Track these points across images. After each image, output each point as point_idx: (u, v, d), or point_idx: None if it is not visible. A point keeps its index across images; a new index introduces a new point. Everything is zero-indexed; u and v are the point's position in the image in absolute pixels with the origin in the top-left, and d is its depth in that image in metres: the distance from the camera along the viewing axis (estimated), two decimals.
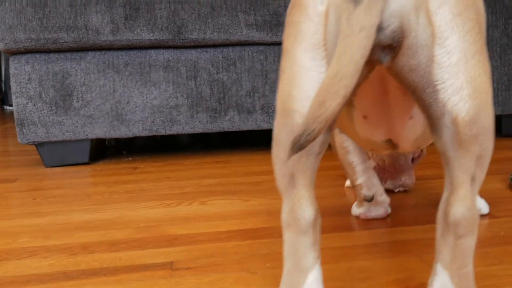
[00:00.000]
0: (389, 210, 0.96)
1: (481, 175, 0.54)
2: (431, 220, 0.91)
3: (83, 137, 1.56)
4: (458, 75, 0.51)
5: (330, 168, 1.41)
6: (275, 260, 0.75)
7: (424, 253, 0.75)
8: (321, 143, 0.55)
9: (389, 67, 0.54)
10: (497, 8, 1.65)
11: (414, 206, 1.00)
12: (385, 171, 0.96)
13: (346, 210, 0.99)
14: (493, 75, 1.67)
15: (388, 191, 1.09)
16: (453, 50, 0.51)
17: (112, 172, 1.48)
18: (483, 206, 0.92)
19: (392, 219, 0.93)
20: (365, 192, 0.92)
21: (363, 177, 0.92)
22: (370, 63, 0.53)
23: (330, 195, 1.10)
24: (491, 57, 1.66)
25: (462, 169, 0.53)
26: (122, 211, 1.04)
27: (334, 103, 0.46)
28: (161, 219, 0.97)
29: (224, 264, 0.74)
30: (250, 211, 1.00)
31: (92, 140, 1.60)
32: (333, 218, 0.94)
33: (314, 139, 0.47)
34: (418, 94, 0.53)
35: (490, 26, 1.65)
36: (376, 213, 0.94)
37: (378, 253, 0.76)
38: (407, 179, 1.00)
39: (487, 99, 0.52)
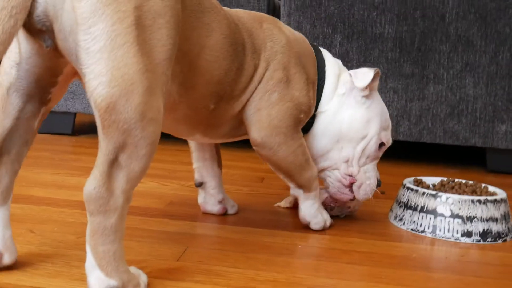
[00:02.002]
0: (232, 211, 0.98)
1: (131, 163, 0.57)
2: (254, 224, 0.93)
3: (65, 110, 1.72)
4: (100, 62, 0.54)
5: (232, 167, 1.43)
6: None
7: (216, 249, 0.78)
8: None
9: (55, 50, 0.59)
10: (487, 32, 1.54)
11: (258, 211, 1.02)
12: (336, 200, 0.96)
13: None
14: (476, 104, 1.56)
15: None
16: (99, 37, 0.54)
17: (88, 145, 1.62)
18: (326, 218, 0.91)
19: (233, 218, 0.96)
20: (195, 176, 0.97)
21: (197, 164, 0.96)
22: (40, 47, 0.59)
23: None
24: (476, 85, 1.56)
25: (101, 152, 0.57)
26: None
27: None
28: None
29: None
30: None
31: (75, 114, 1.76)
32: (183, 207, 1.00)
33: None
34: (82, 79, 0.57)
35: (478, 52, 1.55)
36: (211, 208, 0.97)
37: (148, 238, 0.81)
38: (356, 205, 0.99)
39: (131, 89, 0.55)
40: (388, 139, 0.93)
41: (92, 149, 1.55)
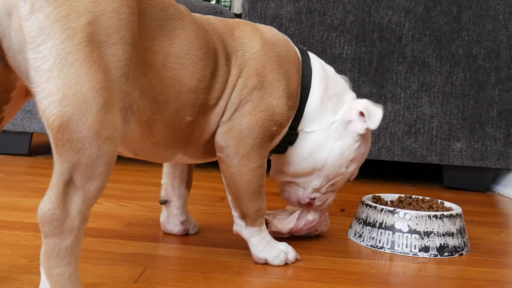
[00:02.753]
0: (193, 231, 0.97)
1: (87, 184, 0.55)
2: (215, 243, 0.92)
3: (22, 130, 1.68)
4: (50, 80, 0.53)
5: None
6: None
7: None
8: None
9: (6, 66, 0.57)
10: (442, 54, 1.59)
11: (219, 230, 1.01)
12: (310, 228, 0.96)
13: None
14: (432, 123, 1.61)
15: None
16: (48, 55, 0.53)
17: (45, 166, 1.58)
18: (286, 250, 0.84)
19: (193, 238, 0.95)
20: (161, 193, 0.95)
21: (166, 180, 0.95)
22: None
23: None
24: (432, 104, 1.60)
25: (56, 172, 0.55)
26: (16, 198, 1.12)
27: None
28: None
29: None
30: None
31: (32, 134, 1.71)
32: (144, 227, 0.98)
33: None
34: (35, 99, 0.56)
35: (434, 72, 1.60)
36: (172, 229, 0.95)
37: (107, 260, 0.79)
38: (324, 228, 0.98)
39: (84, 108, 0.53)
40: (354, 176, 0.92)
41: (49, 170, 1.51)
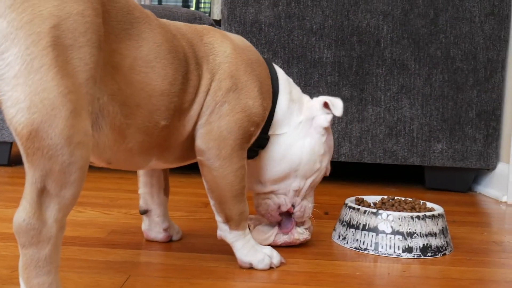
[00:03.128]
0: (176, 237, 0.96)
1: (62, 191, 0.54)
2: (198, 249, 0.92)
3: (1, 140, 1.65)
4: (17, 88, 0.51)
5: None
6: None
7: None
8: None
9: None
10: (420, 56, 1.61)
11: (203, 236, 1.01)
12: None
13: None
14: (413, 125, 1.62)
15: None
16: (13, 62, 0.51)
17: (24, 176, 1.56)
18: (271, 254, 0.84)
19: (177, 244, 0.94)
20: (140, 203, 0.94)
21: (143, 189, 0.94)
22: None
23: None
24: (412, 106, 1.62)
25: (28, 181, 0.54)
26: None
27: None
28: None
29: None
30: None
31: (12, 143, 1.69)
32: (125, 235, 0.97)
33: None
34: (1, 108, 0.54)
35: (413, 75, 1.61)
36: (155, 236, 0.95)
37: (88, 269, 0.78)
38: (308, 237, 0.96)
39: (53, 114, 0.52)
40: (329, 170, 0.94)
41: None
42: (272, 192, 0.89)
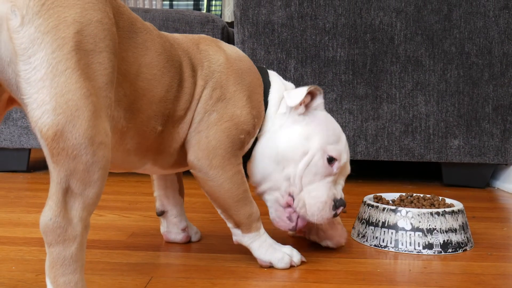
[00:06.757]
0: (195, 238, 0.97)
1: (85, 190, 0.56)
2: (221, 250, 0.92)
3: (19, 146, 1.68)
4: (43, 90, 0.53)
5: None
6: None
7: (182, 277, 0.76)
8: None
9: None
10: (435, 52, 1.60)
11: (222, 236, 1.01)
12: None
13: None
14: (429, 121, 1.61)
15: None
16: (39, 66, 0.53)
17: (45, 181, 1.58)
18: (290, 253, 0.84)
19: (197, 245, 0.95)
20: (157, 204, 0.95)
21: (158, 192, 0.95)
22: None
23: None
24: (427, 102, 1.61)
25: (53, 181, 0.56)
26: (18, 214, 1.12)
27: None
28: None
29: None
30: None
31: (30, 150, 1.71)
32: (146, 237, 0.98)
33: None
34: (25, 111, 0.56)
35: (427, 71, 1.61)
36: (174, 237, 0.96)
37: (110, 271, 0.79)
38: (338, 243, 0.96)
39: (77, 115, 0.54)
40: (338, 154, 0.85)
41: (49, 185, 1.51)
42: (269, 190, 0.86)
